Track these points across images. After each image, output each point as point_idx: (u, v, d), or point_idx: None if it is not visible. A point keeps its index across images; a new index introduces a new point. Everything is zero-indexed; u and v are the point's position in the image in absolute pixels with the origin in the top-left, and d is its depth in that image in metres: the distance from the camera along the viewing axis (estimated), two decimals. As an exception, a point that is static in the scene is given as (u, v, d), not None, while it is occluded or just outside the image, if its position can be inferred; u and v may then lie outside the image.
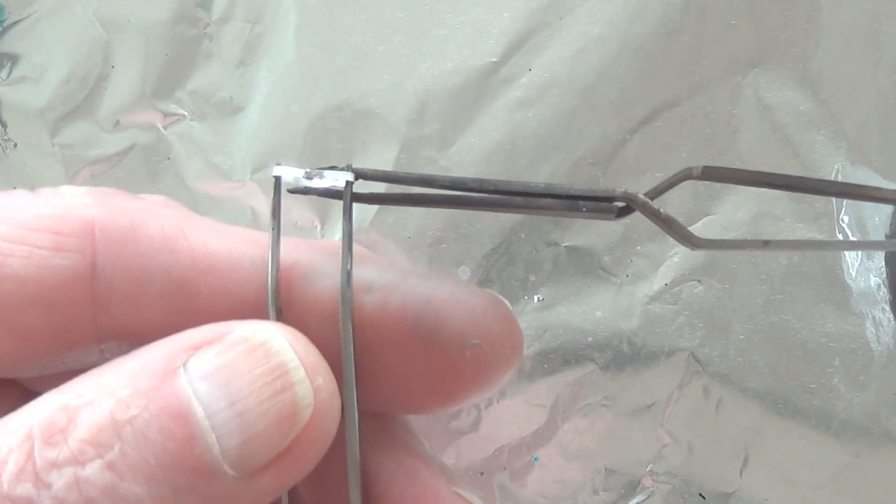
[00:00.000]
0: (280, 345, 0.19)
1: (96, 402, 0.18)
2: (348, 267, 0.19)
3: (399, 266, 0.22)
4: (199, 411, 0.18)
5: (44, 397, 0.18)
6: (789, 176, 0.19)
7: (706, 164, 0.19)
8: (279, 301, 0.21)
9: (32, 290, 0.20)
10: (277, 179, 0.20)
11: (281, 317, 0.21)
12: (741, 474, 0.33)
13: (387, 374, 0.22)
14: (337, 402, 0.20)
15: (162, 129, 0.36)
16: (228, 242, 0.21)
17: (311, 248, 0.22)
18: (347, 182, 0.19)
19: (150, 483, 0.17)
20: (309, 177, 0.20)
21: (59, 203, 0.21)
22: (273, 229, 0.20)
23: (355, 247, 0.20)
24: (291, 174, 0.20)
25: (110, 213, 0.21)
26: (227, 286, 0.21)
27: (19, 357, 0.21)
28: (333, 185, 0.19)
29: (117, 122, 0.36)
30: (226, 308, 0.21)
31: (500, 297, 0.23)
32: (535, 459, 0.34)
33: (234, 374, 0.18)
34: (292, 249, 0.22)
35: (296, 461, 0.19)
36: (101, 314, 0.21)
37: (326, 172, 0.20)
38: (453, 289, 0.22)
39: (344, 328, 0.20)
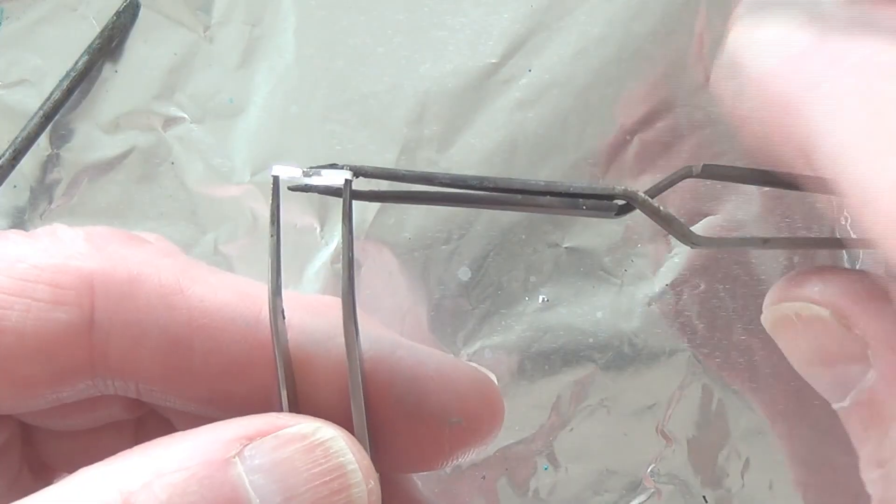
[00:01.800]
0: (339, 446, 0.19)
1: (152, 485, 0.18)
2: (349, 259, 0.19)
3: (387, 335, 0.23)
4: (255, 503, 0.18)
5: (93, 475, 0.18)
6: (790, 174, 0.19)
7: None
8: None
9: (31, 344, 0.20)
10: (276, 179, 0.20)
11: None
12: (742, 475, 0.33)
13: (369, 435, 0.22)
14: None
15: (162, 131, 0.36)
16: (224, 299, 0.22)
17: (316, 312, 0.22)
18: (346, 180, 0.19)
19: None
20: (308, 175, 0.20)
21: (57, 252, 0.21)
22: (272, 236, 0.20)
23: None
24: (290, 174, 0.20)
25: (108, 264, 0.21)
26: (220, 346, 0.21)
27: (18, 400, 0.21)
28: (333, 183, 0.19)
29: (117, 125, 0.36)
30: (219, 367, 0.21)
31: (488, 372, 0.23)
32: (545, 469, 0.34)
33: (292, 470, 0.19)
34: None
35: None
36: (99, 363, 0.21)
37: (325, 171, 0.20)
38: (440, 363, 0.22)
39: (347, 329, 0.20)
